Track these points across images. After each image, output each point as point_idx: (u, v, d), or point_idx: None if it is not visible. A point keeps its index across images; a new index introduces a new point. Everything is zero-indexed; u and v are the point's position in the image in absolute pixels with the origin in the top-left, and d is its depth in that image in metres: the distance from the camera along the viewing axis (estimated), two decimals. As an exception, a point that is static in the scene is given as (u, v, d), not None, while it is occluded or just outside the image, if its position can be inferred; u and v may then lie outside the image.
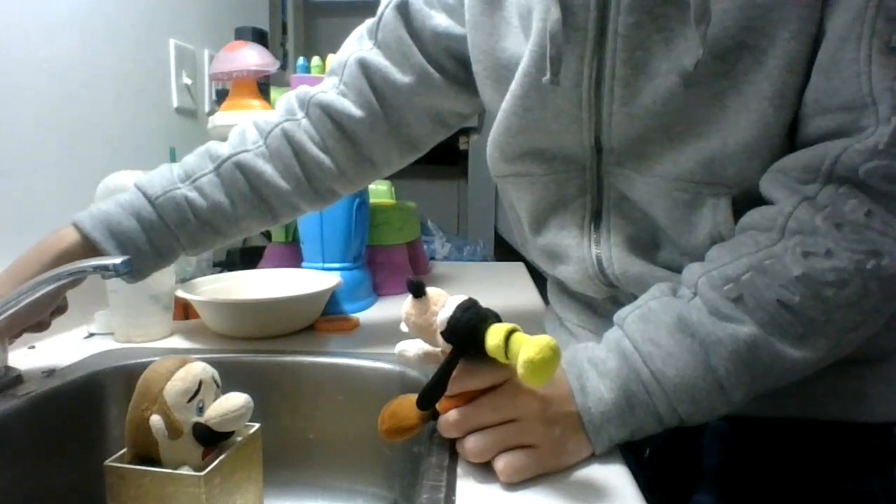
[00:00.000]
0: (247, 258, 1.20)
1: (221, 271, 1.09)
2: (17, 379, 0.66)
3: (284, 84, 1.35)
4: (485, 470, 0.48)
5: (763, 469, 0.57)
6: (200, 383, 0.51)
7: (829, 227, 0.46)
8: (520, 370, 0.42)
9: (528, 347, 0.42)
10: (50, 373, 0.69)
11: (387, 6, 0.71)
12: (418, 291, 0.49)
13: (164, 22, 1.21)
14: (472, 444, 0.47)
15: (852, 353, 0.55)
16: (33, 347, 0.80)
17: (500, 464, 0.46)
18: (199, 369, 0.52)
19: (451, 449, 0.51)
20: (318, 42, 2.79)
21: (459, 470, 0.48)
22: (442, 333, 0.48)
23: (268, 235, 1.16)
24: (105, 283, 0.80)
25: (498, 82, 0.62)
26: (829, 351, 0.48)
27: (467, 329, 0.46)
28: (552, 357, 0.42)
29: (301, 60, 1.20)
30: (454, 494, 0.45)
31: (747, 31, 0.49)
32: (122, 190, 0.76)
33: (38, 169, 0.87)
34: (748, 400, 0.48)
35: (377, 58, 0.70)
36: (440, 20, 0.68)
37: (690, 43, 0.50)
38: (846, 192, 0.46)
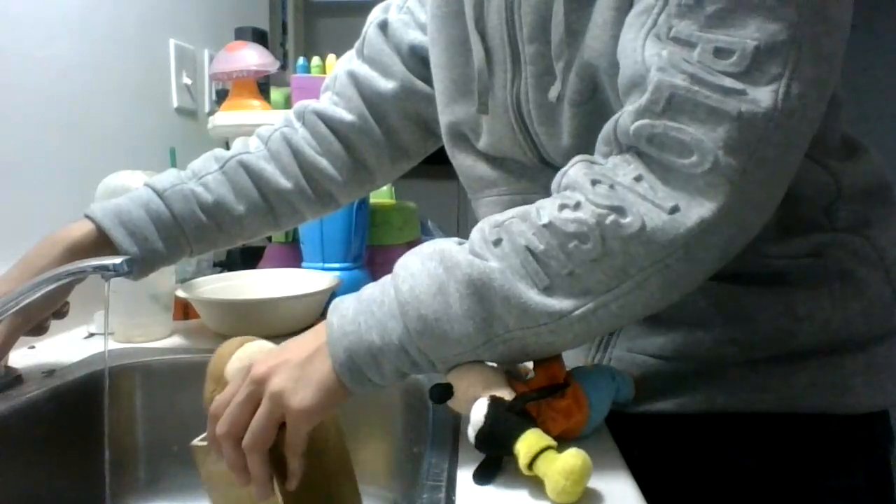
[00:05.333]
0: (247, 258, 1.20)
1: (221, 271, 1.09)
2: (17, 379, 0.66)
3: (284, 84, 1.36)
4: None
5: (745, 466, 0.56)
6: None
7: (588, 183, 0.45)
8: (553, 497, 0.42)
9: (555, 474, 0.42)
10: (50, 373, 0.69)
11: (369, 25, 0.77)
12: (443, 398, 0.49)
13: (164, 22, 1.21)
14: None
15: (832, 343, 0.54)
16: (33, 347, 0.80)
17: None
18: (255, 348, 0.53)
19: (452, 449, 0.51)
20: (318, 42, 2.79)
21: (459, 470, 0.48)
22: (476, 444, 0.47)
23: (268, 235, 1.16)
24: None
25: (452, 98, 0.65)
26: (582, 310, 0.45)
27: (500, 441, 0.46)
28: (580, 478, 0.42)
29: (301, 60, 1.21)
30: (454, 494, 0.45)
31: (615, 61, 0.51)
32: (122, 190, 0.76)
33: (38, 169, 0.87)
34: (486, 340, 0.46)
35: (364, 69, 0.77)
36: (415, 35, 0.74)
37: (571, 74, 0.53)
38: (628, 159, 0.46)
